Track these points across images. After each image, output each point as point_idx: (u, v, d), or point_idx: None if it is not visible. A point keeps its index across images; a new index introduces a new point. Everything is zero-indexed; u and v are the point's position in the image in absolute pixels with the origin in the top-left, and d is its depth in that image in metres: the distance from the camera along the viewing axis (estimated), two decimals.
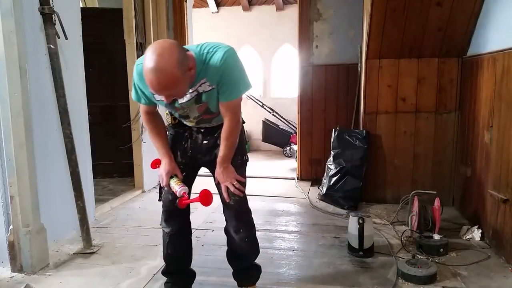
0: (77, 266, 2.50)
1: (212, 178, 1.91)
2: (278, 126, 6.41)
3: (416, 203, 2.84)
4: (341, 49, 4.21)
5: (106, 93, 4.43)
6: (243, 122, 1.96)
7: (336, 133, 3.83)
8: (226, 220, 1.98)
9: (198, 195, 1.70)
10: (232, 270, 2.10)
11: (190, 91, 1.64)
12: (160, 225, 1.99)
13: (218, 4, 6.96)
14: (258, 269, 2.09)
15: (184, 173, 1.88)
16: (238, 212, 1.90)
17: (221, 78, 1.62)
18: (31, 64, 2.42)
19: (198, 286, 2.18)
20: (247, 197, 1.96)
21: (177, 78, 1.46)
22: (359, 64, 3.98)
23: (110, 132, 4.42)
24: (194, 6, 5.81)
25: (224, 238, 2.87)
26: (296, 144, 4.94)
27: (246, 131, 6.93)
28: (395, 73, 3.51)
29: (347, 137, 3.70)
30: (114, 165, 4.62)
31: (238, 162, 1.89)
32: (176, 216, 1.94)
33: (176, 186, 1.74)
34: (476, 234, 2.79)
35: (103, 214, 3.46)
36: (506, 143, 2.48)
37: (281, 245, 2.79)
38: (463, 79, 3.36)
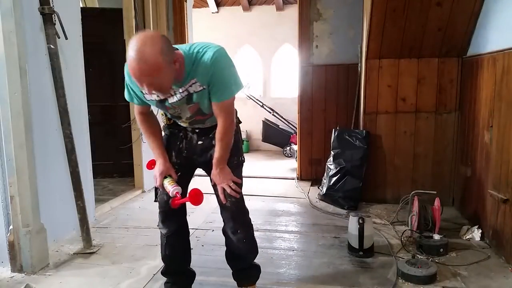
0: (77, 266, 2.50)
1: (209, 179, 1.91)
2: (278, 126, 6.41)
3: (416, 203, 2.84)
4: (341, 49, 4.21)
5: (106, 93, 4.43)
6: (239, 122, 1.95)
7: (336, 133, 3.83)
8: (223, 221, 1.97)
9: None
10: (231, 270, 2.10)
11: (181, 90, 1.63)
12: (157, 226, 1.99)
13: (218, 4, 6.96)
14: (257, 269, 2.09)
15: (179, 174, 1.86)
16: (235, 214, 1.90)
17: (211, 78, 1.60)
18: (31, 64, 2.42)
19: (198, 286, 2.18)
20: (245, 197, 1.96)
21: (158, 65, 1.42)
22: (359, 64, 3.98)
23: (110, 132, 4.42)
24: (194, 6, 5.81)
25: (224, 238, 2.87)
26: (296, 144, 4.94)
27: (246, 131, 6.96)
28: (395, 73, 3.51)
29: (347, 137, 3.70)
30: (114, 165, 4.62)
31: (234, 163, 1.87)
32: (173, 217, 1.93)
33: (169, 186, 1.73)
34: (476, 234, 2.79)
35: (103, 214, 3.46)
36: (506, 143, 2.48)
37: (281, 245, 2.79)
38: (463, 79, 3.36)
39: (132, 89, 1.73)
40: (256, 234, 2.95)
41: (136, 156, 4.07)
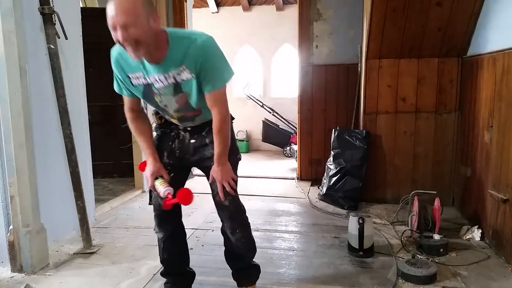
0: (77, 266, 2.50)
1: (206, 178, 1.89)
2: (278, 126, 6.41)
3: (416, 203, 2.84)
4: (341, 49, 4.21)
5: (106, 93, 4.39)
6: (232, 118, 1.90)
7: (336, 133, 3.83)
8: (221, 221, 1.95)
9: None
10: (231, 270, 2.10)
11: (167, 76, 1.58)
12: (154, 230, 1.97)
13: (218, 4, 6.96)
14: (257, 269, 2.09)
15: (173, 174, 1.83)
16: (233, 213, 1.88)
17: (202, 66, 1.55)
18: (31, 64, 2.42)
19: (198, 286, 2.18)
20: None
21: (136, 9, 1.40)
22: (359, 64, 3.98)
23: (110, 132, 4.42)
24: (194, 6, 5.82)
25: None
26: (296, 144, 4.94)
27: (246, 131, 6.96)
28: (395, 73, 3.51)
29: (347, 137, 3.70)
30: (114, 165, 4.62)
31: (233, 160, 1.84)
32: (168, 220, 1.91)
33: (161, 187, 1.70)
34: (476, 234, 2.79)
35: (103, 214, 3.46)
36: (506, 143, 2.48)
37: (281, 245, 2.79)
38: (463, 79, 3.36)
39: (119, 78, 1.70)
40: (256, 234, 2.98)
41: (136, 156, 4.06)
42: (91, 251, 2.68)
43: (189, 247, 2.68)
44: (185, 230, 2.08)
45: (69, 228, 2.93)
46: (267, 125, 6.42)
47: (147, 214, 3.42)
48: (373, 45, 3.42)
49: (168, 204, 1.70)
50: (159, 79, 1.60)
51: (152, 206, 1.94)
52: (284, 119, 6.27)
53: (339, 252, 2.64)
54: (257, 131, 6.78)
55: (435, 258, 2.49)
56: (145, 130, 1.81)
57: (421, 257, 2.50)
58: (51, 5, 2.56)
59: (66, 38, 2.71)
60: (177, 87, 1.62)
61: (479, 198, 2.89)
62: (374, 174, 3.64)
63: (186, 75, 1.59)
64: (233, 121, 1.91)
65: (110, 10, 1.41)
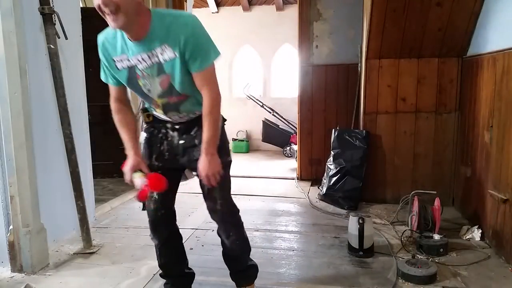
0: (77, 266, 2.50)
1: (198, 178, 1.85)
2: (278, 126, 6.41)
3: (416, 203, 2.84)
4: (341, 49, 4.21)
5: (106, 93, 4.39)
6: (224, 120, 1.85)
7: (336, 133, 3.83)
8: (216, 223, 1.93)
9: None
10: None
11: (151, 54, 1.54)
12: (149, 236, 1.94)
13: (218, 4, 6.96)
14: (255, 269, 2.08)
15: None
16: (225, 216, 1.86)
17: (187, 44, 1.50)
18: (31, 64, 2.42)
19: (198, 286, 2.18)
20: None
21: None
22: (359, 64, 3.98)
23: (110, 132, 4.38)
24: (194, 6, 5.82)
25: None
26: (296, 144, 4.94)
27: (246, 131, 6.96)
28: (395, 73, 3.51)
29: (347, 137, 3.70)
30: (114, 165, 4.61)
31: (223, 161, 1.77)
32: (161, 225, 1.89)
33: (138, 180, 1.64)
34: (476, 234, 2.79)
35: (103, 214, 3.46)
36: (506, 143, 2.48)
37: (281, 245, 2.79)
38: (463, 79, 3.36)
39: (105, 65, 1.67)
40: (256, 234, 2.99)
41: None
42: (91, 251, 2.68)
43: (189, 247, 2.70)
44: (181, 233, 2.05)
45: (69, 228, 2.93)
46: (267, 125, 6.43)
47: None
48: (373, 45, 3.42)
49: (142, 195, 1.63)
50: (142, 59, 1.56)
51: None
52: (284, 119, 6.27)
53: (339, 252, 2.64)
54: (257, 131, 6.78)
55: (435, 258, 2.49)
56: (128, 122, 1.76)
57: (421, 257, 2.50)
58: (51, 5, 2.56)
59: (66, 38, 2.71)
60: (160, 67, 1.57)
61: (479, 198, 2.89)
62: (374, 174, 3.64)
63: (169, 54, 1.53)
64: (225, 122, 1.87)
65: None
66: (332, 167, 3.74)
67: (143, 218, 3.33)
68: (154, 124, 1.83)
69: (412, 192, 2.95)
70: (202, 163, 1.66)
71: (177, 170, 1.90)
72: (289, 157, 6.05)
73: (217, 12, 7.01)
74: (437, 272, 2.25)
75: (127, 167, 1.68)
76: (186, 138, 1.78)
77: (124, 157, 1.72)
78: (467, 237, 2.81)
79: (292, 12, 6.18)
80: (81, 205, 2.72)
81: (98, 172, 4.10)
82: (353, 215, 2.60)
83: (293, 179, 4.62)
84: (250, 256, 2.09)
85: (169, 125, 1.80)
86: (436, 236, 2.60)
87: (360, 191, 3.58)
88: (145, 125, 1.87)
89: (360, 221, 2.52)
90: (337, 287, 2.20)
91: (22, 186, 2.34)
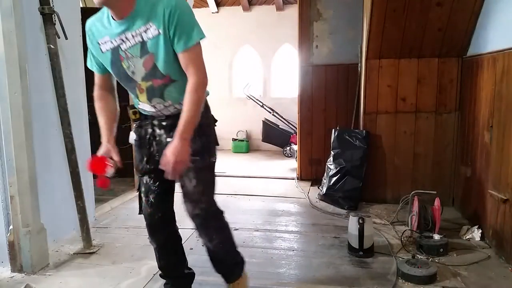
0: (77, 266, 2.50)
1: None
2: (278, 126, 6.41)
3: (416, 203, 2.84)
4: (341, 49, 4.21)
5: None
6: (215, 121, 1.81)
7: (336, 133, 3.83)
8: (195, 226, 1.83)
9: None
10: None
11: (133, 34, 1.53)
12: (148, 239, 1.94)
13: (218, 4, 6.96)
14: (241, 263, 2.01)
15: (158, 182, 1.76)
16: (208, 221, 1.77)
17: (171, 21, 1.48)
18: (31, 64, 2.42)
19: (198, 286, 2.18)
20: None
21: None
22: (359, 64, 3.98)
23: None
24: (194, 6, 5.82)
25: None
26: (296, 144, 4.94)
27: (246, 131, 6.96)
28: (395, 73, 3.51)
29: (347, 137, 3.70)
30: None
31: (206, 162, 1.71)
32: (159, 229, 1.87)
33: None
34: (476, 234, 2.79)
35: (103, 214, 3.46)
36: (506, 143, 2.48)
37: (281, 245, 2.79)
38: (463, 79, 3.36)
39: (92, 51, 1.66)
40: (256, 234, 2.99)
41: None
42: (91, 251, 2.68)
43: (189, 247, 2.70)
44: (180, 234, 2.03)
45: (69, 228, 2.93)
46: (267, 125, 6.42)
47: None
48: (373, 45, 3.42)
49: (99, 183, 1.56)
50: (126, 38, 1.54)
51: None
52: (284, 119, 6.27)
53: (339, 252, 2.64)
54: (257, 131, 6.78)
55: (435, 258, 2.49)
56: (108, 111, 1.73)
57: (421, 257, 2.50)
58: (51, 5, 2.56)
59: (66, 38, 2.71)
60: (143, 47, 1.54)
61: (479, 198, 2.89)
62: (374, 174, 3.64)
63: (152, 31, 1.51)
64: (216, 124, 1.82)
65: None
66: (332, 167, 3.74)
67: (143, 218, 3.34)
68: (141, 122, 1.79)
69: (412, 192, 2.96)
70: (171, 147, 1.53)
71: None
72: (289, 157, 6.05)
73: (217, 12, 7.01)
74: (437, 272, 2.25)
75: (97, 154, 1.64)
76: (174, 136, 1.66)
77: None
78: (467, 237, 2.81)
79: (292, 12, 6.18)
80: (81, 205, 2.72)
81: None
82: (353, 215, 2.60)
83: (293, 179, 4.62)
84: (239, 251, 2.01)
85: (155, 122, 1.74)
86: (436, 236, 2.60)
87: (360, 191, 3.58)
88: (134, 125, 1.83)
89: (360, 221, 2.52)
90: (337, 287, 2.20)
91: (22, 186, 2.34)
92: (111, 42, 1.58)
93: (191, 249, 2.69)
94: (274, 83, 7.10)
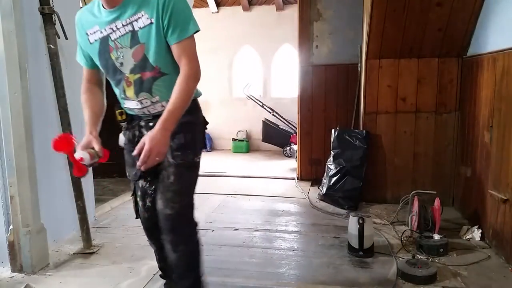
0: (77, 266, 2.50)
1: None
2: (278, 126, 6.41)
3: (416, 203, 2.84)
4: (341, 49, 4.21)
5: (106, 93, 4.42)
6: (206, 123, 1.75)
7: (336, 133, 3.83)
8: (162, 230, 1.66)
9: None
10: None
11: (124, 23, 1.48)
12: (147, 241, 1.92)
13: (218, 4, 6.96)
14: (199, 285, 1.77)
15: (152, 187, 1.70)
16: (178, 226, 1.61)
17: (165, 10, 1.43)
18: (31, 64, 2.42)
19: None
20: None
21: None
22: (359, 64, 3.98)
23: (110, 132, 4.41)
24: (194, 6, 5.82)
25: (224, 237, 2.88)
26: (296, 144, 4.94)
27: (246, 131, 6.96)
28: (395, 73, 3.51)
29: (347, 137, 3.70)
30: (114, 165, 4.59)
31: (188, 160, 1.62)
32: (156, 232, 1.76)
33: (79, 152, 1.49)
34: (476, 234, 2.79)
35: (103, 214, 3.46)
36: (506, 143, 2.48)
37: (281, 245, 2.79)
38: (463, 79, 3.36)
39: (81, 43, 1.62)
40: (256, 234, 2.99)
41: None
42: (91, 251, 2.68)
43: None
44: None
45: (69, 228, 2.93)
46: (267, 125, 6.43)
47: None
48: (373, 45, 3.42)
49: (75, 171, 1.48)
50: (116, 27, 1.50)
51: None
52: (284, 119, 6.27)
53: (339, 252, 2.64)
54: (257, 131, 6.78)
55: (435, 258, 2.49)
56: (94, 104, 1.66)
57: (421, 257, 2.50)
58: (51, 5, 2.56)
59: (66, 38, 2.71)
60: (134, 36, 1.49)
61: (479, 198, 2.89)
62: (374, 174, 3.64)
63: (144, 20, 1.47)
64: (207, 126, 1.77)
65: None
66: (332, 167, 3.74)
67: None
68: (128, 125, 1.73)
69: (412, 192, 2.96)
70: (150, 135, 1.42)
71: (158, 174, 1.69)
72: (289, 157, 6.05)
73: (217, 12, 7.01)
74: (437, 272, 2.25)
75: (79, 145, 1.56)
76: (156, 124, 1.52)
77: (124, 157, 1.71)
78: (467, 237, 2.81)
79: (292, 12, 6.18)
80: (81, 205, 2.72)
81: (98, 172, 4.10)
82: (353, 215, 2.60)
83: (293, 179, 4.62)
84: (203, 279, 1.80)
85: (142, 123, 1.68)
86: (436, 236, 2.60)
87: (360, 191, 3.58)
88: (122, 127, 1.78)
89: (360, 221, 2.52)
90: (337, 287, 2.20)
91: (22, 186, 2.34)
92: (101, 31, 1.54)
93: None
94: (274, 83, 7.10)
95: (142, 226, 1.87)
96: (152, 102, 1.61)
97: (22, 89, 2.28)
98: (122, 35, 1.51)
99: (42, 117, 2.61)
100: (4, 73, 2.24)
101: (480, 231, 2.79)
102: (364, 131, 3.62)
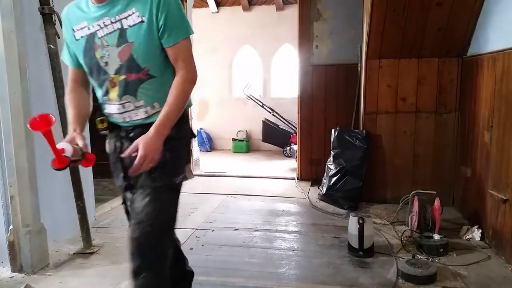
0: (77, 266, 2.50)
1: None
2: (278, 126, 6.41)
3: (416, 203, 2.84)
4: (341, 49, 4.21)
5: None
6: (193, 136, 1.64)
7: (336, 133, 3.83)
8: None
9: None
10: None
11: (112, 20, 1.40)
12: None
13: (218, 4, 6.96)
14: None
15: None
16: (143, 249, 1.43)
17: (160, 7, 1.36)
18: (31, 64, 2.42)
19: (198, 286, 2.18)
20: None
21: None
22: (359, 64, 3.98)
23: (102, 137, 4.41)
24: (194, 6, 5.82)
25: (224, 237, 2.88)
26: (296, 144, 4.94)
27: (246, 131, 6.96)
28: (395, 73, 3.51)
29: (347, 137, 3.70)
30: None
31: (167, 181, 1.47)
32: None
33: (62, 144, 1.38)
34: (476, 234, 2.79)
35: (103, 214, 3.46)
36: (506, 143, 2.48)
37: (281, 245, 2.79)
38: (463, 79, 3.36)
39: (67, 42, 1.54)
40: (256, 234, 2.99)
41: None
42: (91, 251, 2.68)
43: (189, 247, 2.70)
44: (176, 238, 1.83)
45: (69, 228, 2.93)
46: (267, 125, 6.43)
47: None
48: (373, 45, 3.42)
49: (55, 162, 1.34)
50: (104, 24, 1.42)
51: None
52: (284, 119, 6.27)
53: (339, 252, 2.64)
54: (257, 131, 6.79)
55: (435, 258, 2.49)
56: (80, 104, 1.56)
57: (421, 257, 2.50)
58: (51, 5, 2.56)
59: None
60: (122, 35, 1.40)
61: (479, 198, 2.89)
62: (374, 174, 3.64)
63: (134, 18, 1.39)
64: (194, 138, 1.70)
65: None
66: (332, 167, 3.74)
67: None
68: (109, 135, 1.60)
69: (412, 192, 2.95)
70: (145, 139, 1.35)
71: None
72: (289, 157, 6.05)
73: (217, 12, 7.01)
74: (437, 272, 2.25)
75: (62, 141, 1.44)
76: (151, 128, 1.42)
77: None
78: (467, 237, 2.81)
79: (292, 12, 6.18)
80: (81, 205, 2.72)
81: (98, 172, 4.09)
82: (353, 215, 2.60)
83: (293, 179, 4.62)
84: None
85: (123, 134, 1.54)
86: (436, 236, 2.60)
87: (360, 191, 3.58)
88: (106, 136, 1.64)
89: (360, 221, 2.52)
90: (337, 287, 2.20)
91: (22, 186, 2.34)
92: (88, 28, 1.45)
93: (191, 249, 2.69)
94: (274, 83, 7.10)
95: None
96: (136, 106, 1.48)
97: (22, 89, 2.28)
98: (109, 33, 1.42)
99: None
100: (4, 73, 2.24)
101: (480, 231, 2.79)
102: (364, 131, 3.62)
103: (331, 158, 3.81)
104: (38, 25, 2.56)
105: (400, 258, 2.49)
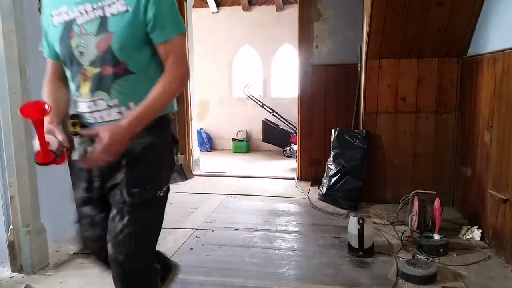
0: (77, 266, 2.50)
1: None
2: (278, 126, 6.41)
3: (416, 203, 2.84)
4: (341, 49, 4.21)
5: None
6: (176, 142, 1.48)
7: (336, 133, 3.83)
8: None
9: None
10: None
11: (96, 5, 1.29)
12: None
13: (218, 4, 6.96)
14: None
15: (103, 214, 1.39)
16: (127, 276, 1.37)
17: (151, 1, 1.26)
18: (31, 64, 2.42)
19: (198, 286, 2.18)
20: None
21: None
22: (359, 64, 3.98)
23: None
24: (194, 6, 5.81)
25: (224, 237, 2.87)
26: (296, 144, 4.94)
27: (246, 131, 6.95)
28: (395, 73, 3.51)
29: (347, 137, 3.70)
30: None
31: (149, 196, 1.34)
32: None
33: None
34: (476, 234, 2.79)
35: None
36: (506, 143, 2.48)
37: (281, 245, 2.79)
38: (463, 79, 3.36)
39: (45, 31, 1.45)
40: (256, 234, 2.99)
41: None
42: None
43: (189, 247, 2.71)
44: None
45: (69, 228, 2.92)
46: (267, 125, 6.43)
47: None
48: (373, 45, 3.42)
49: (40, 157, 1.23)
50: (85, 10, 1.30)
51: None
52: (284, 119, 6.27)
53: (339, 252, 2.64)
54: (257, 131, 6.78)
55: (435, 258, 2.49)
56: (57, 97, 1.44)
57: (421, 257, 2.50)
58: None
59: None
60: (102, 24, 1.28)
61: (479, 198, 2.89)
62: (374, 174, 3.64)
63: (118, 7, 1.27)
64: (176, 145, 1.50)
65: None
66: (332, 167, 3.74)
67: None
68: (80, 138, 1.40)
69: (412, 192, 2.95)
70: (114, 129, 1.21)
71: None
72: (289, 157, 6.05)
73: (217, 12, 7.01)
74: (437, 272, 2.25)
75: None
76: (124, 117, 1.30)
77: None
78: (467, 237, 2.81)
79: (292, 12, 6.18)
80: None
81: None
82: (353, 215, 2.60)
83: (293, 179, 4.62)
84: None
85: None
86: (436, 236, 2.60)
87: (360, 191, 3.58)
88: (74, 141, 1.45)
89: (360, 221, 2.52)
90: (337, 287, 2.20)
91: (22, 186, 2.34)
92: (67, 13, 1.33)
93: (191, 249, 2.69)
94: (274, 83, 7.10)
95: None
96: (109, 105, 1.32)
97: (22, 89, 2.28)
98: (90, 20, 1.30)
99: None
100: (4, 73, 2.24)
101: (480, 231, 2.79)
102: (364, 131, 3.62)
103: (331, 158, 3.81)
104: (38, 25, 2.55)
105: (400, 258, 2.49)
